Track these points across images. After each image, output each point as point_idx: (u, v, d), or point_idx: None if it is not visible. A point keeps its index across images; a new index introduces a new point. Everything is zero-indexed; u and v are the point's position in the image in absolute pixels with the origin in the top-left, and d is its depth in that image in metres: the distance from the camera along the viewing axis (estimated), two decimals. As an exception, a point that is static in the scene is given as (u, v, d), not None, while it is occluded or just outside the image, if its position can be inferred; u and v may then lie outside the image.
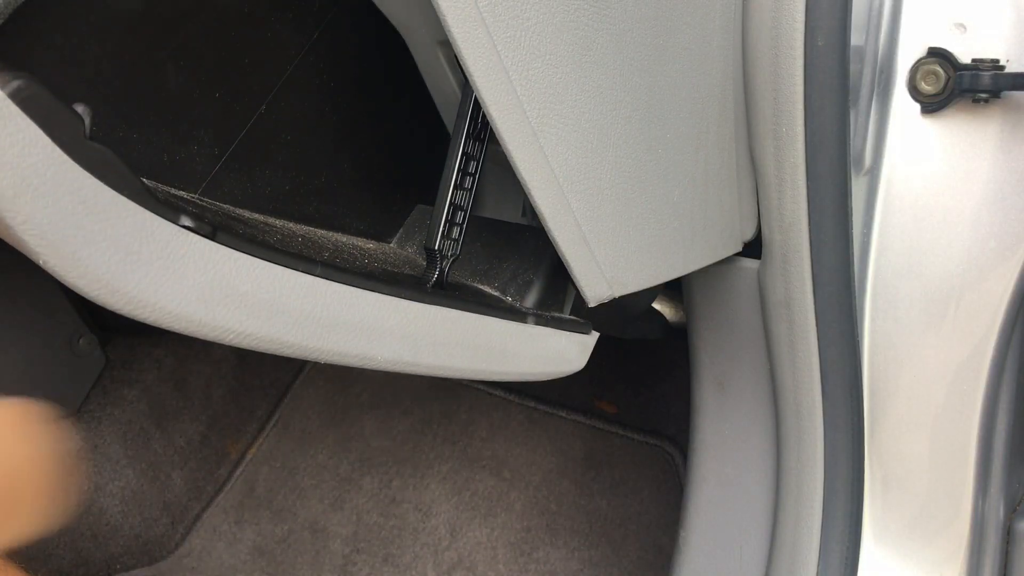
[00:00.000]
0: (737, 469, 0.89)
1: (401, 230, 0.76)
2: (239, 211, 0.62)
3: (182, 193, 0.58)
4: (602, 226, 0.58)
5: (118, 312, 0.37)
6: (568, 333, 0.64)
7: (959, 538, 0.79)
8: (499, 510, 1.31)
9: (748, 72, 0.68)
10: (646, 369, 1.37)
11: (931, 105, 0.72)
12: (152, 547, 1.31)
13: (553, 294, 0.67)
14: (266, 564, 1.31)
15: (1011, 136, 0.70)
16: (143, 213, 0.36)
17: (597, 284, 0.59)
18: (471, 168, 0.60)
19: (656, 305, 1.03)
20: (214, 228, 0.39)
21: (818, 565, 0.80)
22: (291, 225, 0.66)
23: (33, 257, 0.34)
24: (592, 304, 0.60)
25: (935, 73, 0.71)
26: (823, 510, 0.80)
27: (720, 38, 0.66)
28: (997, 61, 0.69)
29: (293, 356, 0.45)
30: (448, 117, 0.70)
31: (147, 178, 0.49)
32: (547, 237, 0.55)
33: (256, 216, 0.63)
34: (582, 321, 0.65)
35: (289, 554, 1.32)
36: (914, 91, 0.73)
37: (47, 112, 0.32)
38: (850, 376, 0.76)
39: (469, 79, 0.47)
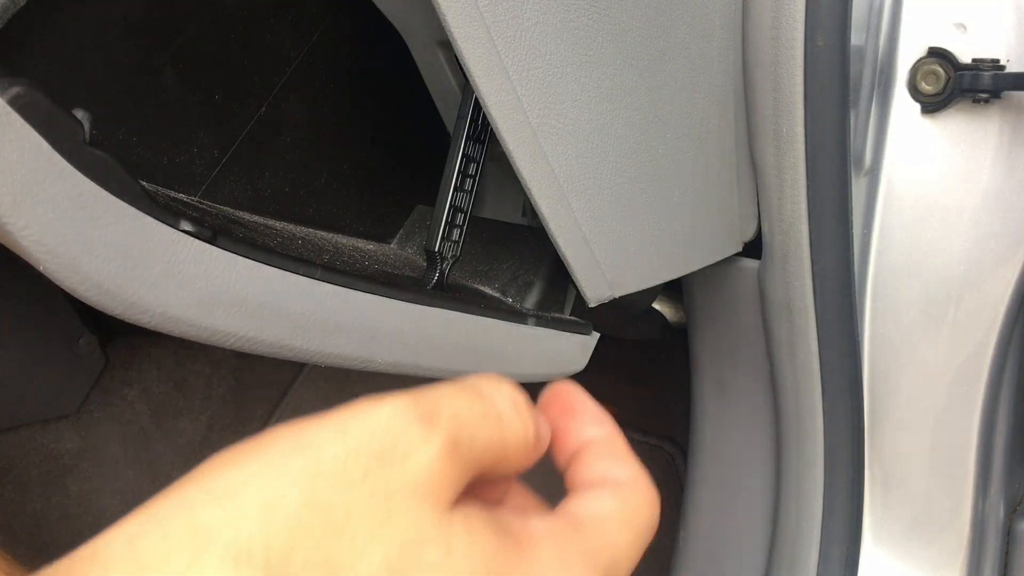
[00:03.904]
0: (737, 469, 0.89)
1: (401, 231, 0.76)
2: (239, 213, 0.62)
3: (182, 196, 0.58)
4: (602, 226, 0.58)
5: (118, 317, 0.37)
6: (569, 334, 0.64)
7: (959, 539, 0.79)
8: (499, 510, 1.31)
9: (748, 72, 0.68)
10: (646, 369, 1.37)
11: (931, 105, 0.72)
12: (152, 547, 1.30)
13: (553, 295, 0.67)
14: (266, 564, 1.31)
15: (1012, 136, 0.70)
16: (143, 218, 0.36)
17: (598, 284, 0.59)
18: (471, 170, 0.60)
19: (656, 305, 1.03)
20: (214, 232, 0.39)
21: (818, 565, 0.80)
22: (291, 227, 0.66)
23: (33, 262, 0.34)
24: (593, 304, 0.60)
25: (935, 73, 0.71)
26: (823, 510, 0.80)
27: (720, 38, 0.65)
28: (997, 61, 0.69)
29: (294, 359, 0.45)
30: (448, 117, 0.70)
31: (147, 181, 0.49)
32: (547, 237, 0.55)
33: (256, 218, 0.63)
34: (583, 322, 0.65)
35: (289, 554, 1.32)
36: (914, 91, 0.72)
37: (46, 118, 0.32)
38: (850, 376, 0.76)
39: (469, 79, 0.47)
